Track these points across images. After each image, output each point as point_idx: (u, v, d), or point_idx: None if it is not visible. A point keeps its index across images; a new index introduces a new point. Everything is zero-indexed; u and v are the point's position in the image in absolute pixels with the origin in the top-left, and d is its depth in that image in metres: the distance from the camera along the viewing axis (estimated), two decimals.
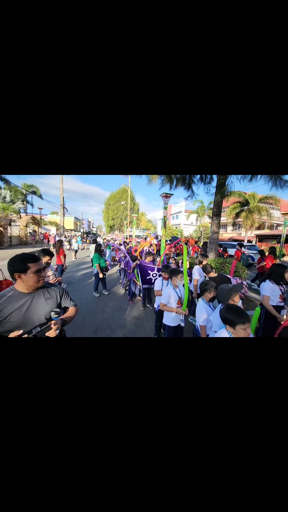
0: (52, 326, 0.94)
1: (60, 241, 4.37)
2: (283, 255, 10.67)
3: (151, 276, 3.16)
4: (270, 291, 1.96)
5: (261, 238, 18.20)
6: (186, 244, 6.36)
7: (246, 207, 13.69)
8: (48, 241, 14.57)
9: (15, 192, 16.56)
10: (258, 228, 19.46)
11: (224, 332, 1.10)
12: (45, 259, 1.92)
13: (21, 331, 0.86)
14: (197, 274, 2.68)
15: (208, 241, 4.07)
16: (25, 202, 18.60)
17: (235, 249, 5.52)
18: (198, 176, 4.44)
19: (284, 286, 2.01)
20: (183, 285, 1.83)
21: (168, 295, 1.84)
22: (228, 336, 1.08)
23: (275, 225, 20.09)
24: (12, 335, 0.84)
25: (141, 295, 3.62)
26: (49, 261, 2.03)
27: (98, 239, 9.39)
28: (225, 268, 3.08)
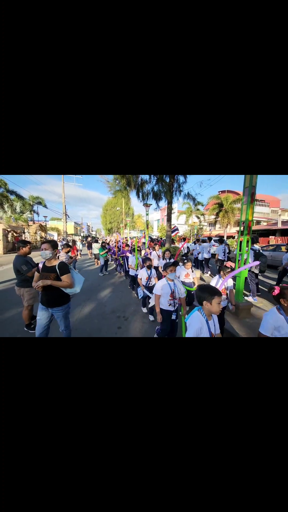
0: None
1: (74, 241, 6.73)
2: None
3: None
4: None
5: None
6: (184, 240, 8.69)
7: (223, 208, 16.05)
8: None
9: (23, 203, 19.05)
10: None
11: (196, 314, 1.14)
12: (65, 250, 4.17)
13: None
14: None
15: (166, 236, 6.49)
16: (32, 212, 21.12)
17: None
18: (163, 194, 6.78)
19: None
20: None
21: (132, 260, 4.23)
22: (201, 315, 1.11)
23: (255, 221, 22.36)
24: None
25: (122, 272, 6.13)
26: (68, 251, 4.26)
27: (99, 241, 12.04)
28: (170, 250, 5.45)
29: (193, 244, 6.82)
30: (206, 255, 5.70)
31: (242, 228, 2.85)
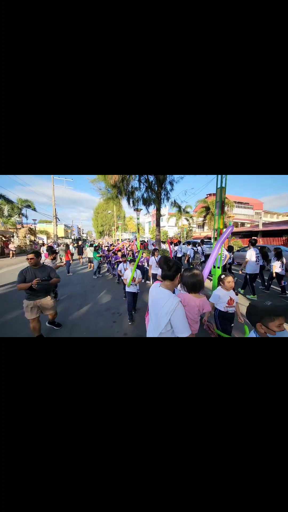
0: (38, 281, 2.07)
1: (67, 245, 7.02)
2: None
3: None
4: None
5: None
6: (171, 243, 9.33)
7: (210, 211, 17.08)
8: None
9: (12, 207, 18.72)
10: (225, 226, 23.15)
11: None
12: (51, 257, 3.61)
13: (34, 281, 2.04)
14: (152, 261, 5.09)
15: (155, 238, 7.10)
16: (20, 215, 20.76)
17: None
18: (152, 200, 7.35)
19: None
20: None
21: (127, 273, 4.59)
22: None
23: (239, 223, 23.81)
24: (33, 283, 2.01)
25: (115, 274, 6.48)
26: (54, 258, 3.73)
27: (96, 243, 12.24)
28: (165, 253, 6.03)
29: (173, 245, 7.73)
30: (179, 254, 7.10)
31: (215, 235, 3.44)
